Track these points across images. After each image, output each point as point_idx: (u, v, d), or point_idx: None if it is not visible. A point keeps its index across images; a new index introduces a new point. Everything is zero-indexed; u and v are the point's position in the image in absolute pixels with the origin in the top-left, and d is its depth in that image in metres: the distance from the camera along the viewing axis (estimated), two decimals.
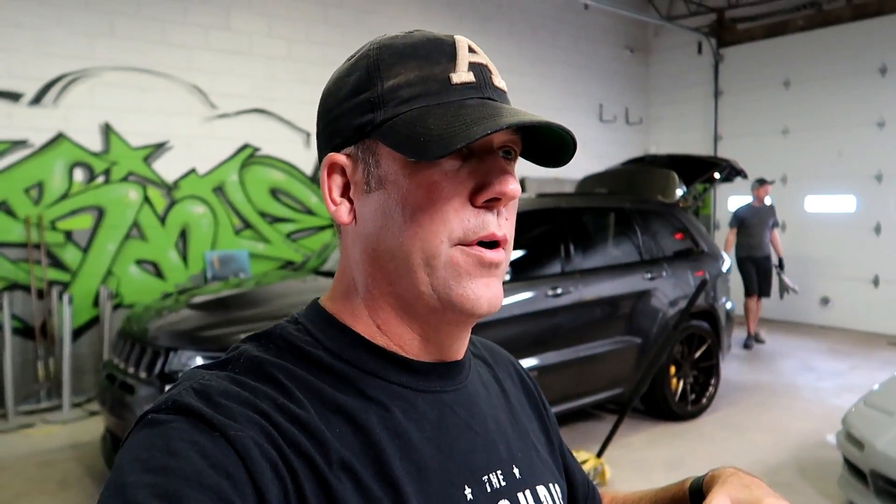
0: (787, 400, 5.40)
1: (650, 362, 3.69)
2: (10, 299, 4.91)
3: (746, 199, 8.87)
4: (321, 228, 6.66)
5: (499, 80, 0.64)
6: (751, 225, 7.10)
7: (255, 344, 0.63)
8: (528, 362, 3.92)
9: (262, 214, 6.31)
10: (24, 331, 5.13)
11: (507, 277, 3.78)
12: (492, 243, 0.61)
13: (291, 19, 6.42)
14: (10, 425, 4.67)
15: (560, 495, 0.74)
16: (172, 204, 5.81)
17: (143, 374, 3.11)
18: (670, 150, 8.79)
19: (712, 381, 5.08)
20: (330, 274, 4.18)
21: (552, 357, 4.07)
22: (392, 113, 0.60)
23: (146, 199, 5.67)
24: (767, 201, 7.18)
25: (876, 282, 7.84)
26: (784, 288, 7.21)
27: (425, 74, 0.60)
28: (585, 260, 4.47)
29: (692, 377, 4.99)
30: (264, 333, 0.64)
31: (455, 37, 0.63)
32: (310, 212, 6.59)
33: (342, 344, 0.63)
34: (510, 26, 8.10)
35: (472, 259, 0.60)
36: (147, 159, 5.66)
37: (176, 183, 5.82)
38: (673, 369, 4.83)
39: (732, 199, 9.18)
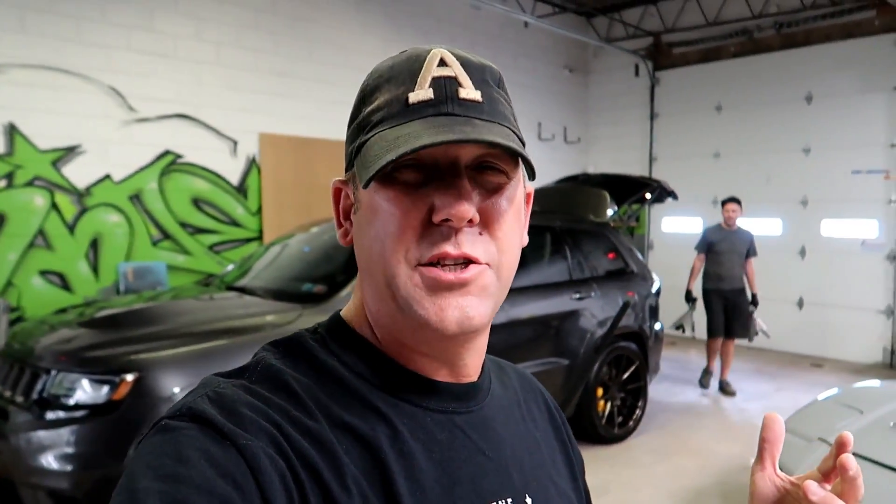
0: (714, 422, 5.41)
1: (572, 385, 3.60)
2: None
3: (678, 221, 9.08)
4: (247, 241, 6.38)
5: (468, 92, 0.59)
6: (719, 251, 6.11)
7: (274, 351, 0.63)
8: None
9: (183, 225, 6.00)
10: None
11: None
12: (463, 262, 0.58)
13: (221, 23, 6.17)
14: None
15: None
16: (83, 211, 5.44)
17: (19, 399, 2.81)
18: (608, 169, 8.87)
19: (640, 404, 5.03)
20: (244, 290, 3.95)
21: None
22: (364, 138, 0.60)
23: (54, 206, 5.29)
24: (743, 225, 6.32)
25: (801, 304, 8.03)
26: (755, 330, 6.25)
27: (391, 97, 0.60)
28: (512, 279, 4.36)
29: (619, 399, 4.93)
30: (284, 340, 0.65)
31: (432, 51, 0.60)
32: (235, 223, 6.31)
33: (356, 357, 0.63)
34: (450, 41, 7.95)
35: (429, 280, 0.58)
36: (56, 163, 5.30)
37: (88, 189, 5.46)
38: (600, 391, 4.77)
39: (666, 220, 9.31)
